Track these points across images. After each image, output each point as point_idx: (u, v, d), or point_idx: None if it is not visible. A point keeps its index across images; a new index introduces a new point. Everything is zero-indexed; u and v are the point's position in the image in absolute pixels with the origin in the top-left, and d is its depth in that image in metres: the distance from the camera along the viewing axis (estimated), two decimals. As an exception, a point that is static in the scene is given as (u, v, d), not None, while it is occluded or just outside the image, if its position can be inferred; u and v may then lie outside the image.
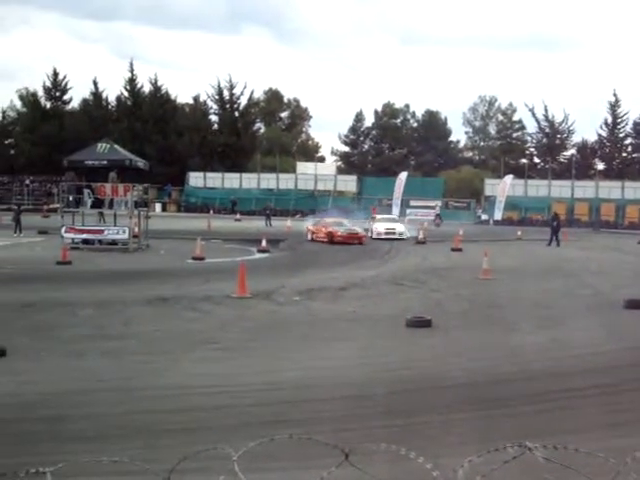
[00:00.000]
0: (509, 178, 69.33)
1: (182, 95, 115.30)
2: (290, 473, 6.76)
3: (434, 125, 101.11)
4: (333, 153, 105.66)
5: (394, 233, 41.57)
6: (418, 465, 2.46)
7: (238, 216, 60.74)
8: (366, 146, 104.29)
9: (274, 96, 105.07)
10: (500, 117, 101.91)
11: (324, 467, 2.50)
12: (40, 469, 2.44)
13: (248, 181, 76.54)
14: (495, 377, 10.81)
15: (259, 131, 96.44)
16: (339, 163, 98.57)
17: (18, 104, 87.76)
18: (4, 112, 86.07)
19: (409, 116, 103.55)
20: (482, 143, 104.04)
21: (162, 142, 78.32)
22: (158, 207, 67.40)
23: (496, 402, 9.45)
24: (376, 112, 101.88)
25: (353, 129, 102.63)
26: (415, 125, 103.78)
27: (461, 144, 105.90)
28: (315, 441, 2.66)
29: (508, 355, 12.45)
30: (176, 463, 2.54)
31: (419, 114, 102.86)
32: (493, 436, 7.67)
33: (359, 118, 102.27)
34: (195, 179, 77.60)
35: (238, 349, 12.67)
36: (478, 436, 7.81)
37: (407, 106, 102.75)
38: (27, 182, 70.92)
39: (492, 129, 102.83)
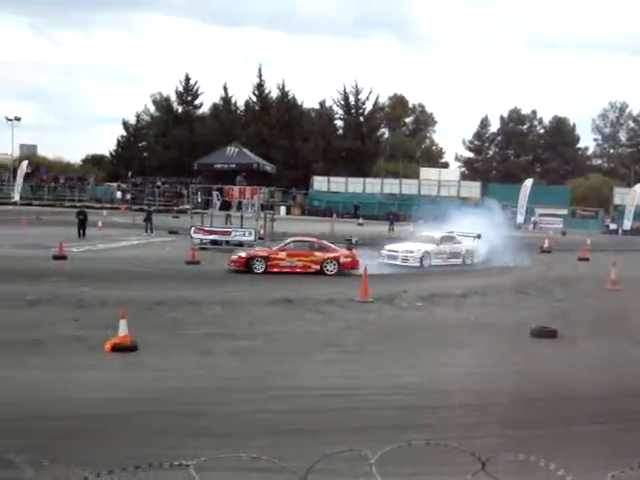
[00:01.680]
0: None
1: (308, 100, 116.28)
2: (425, 478, 6.76)
3: (562, 132, 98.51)
4: (457, 159, 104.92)
5: (395, 257, 27.99)
6: (555, 477, 2.45)
7: (360, 220, 60.90)
8: (491, 152, 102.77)
9: (399, 101, 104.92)
10: (631, 124, 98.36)
11: (458, 474, 2.52)
12: (183, 462, 2.55)
13: (371, 186, 76.80)
14: (624, 390, 10.48)
15: (383, 136, 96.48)
16: (463, 169, 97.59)
17: (152, 108, 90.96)
18: (138, 116, 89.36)
19: (536, 122, 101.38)
20: (612, 150, 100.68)
21: (288, 146, 79.46)
22: (283, 210, 68.31)
23: (627, 416, 9.16)
24: (502, 118, 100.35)
25: (478, 135, 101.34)
26: (542, 131, 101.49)
27: (589, 151, 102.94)
28: (451, 447, 2.68)
29: (638, 368, 12.04)
30: (313, 463, 2.61)
31: (546, 120, 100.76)
32: (626, 451, 7.43)
33: (484, 124, 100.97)
34: (319, 183, 78.34)
35: (360, 352, 12.75)
36: (610, 450, 7.58)
37: (534, 112, 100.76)
38: (158, 184, 73.26)
39: (622, 136, 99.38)
